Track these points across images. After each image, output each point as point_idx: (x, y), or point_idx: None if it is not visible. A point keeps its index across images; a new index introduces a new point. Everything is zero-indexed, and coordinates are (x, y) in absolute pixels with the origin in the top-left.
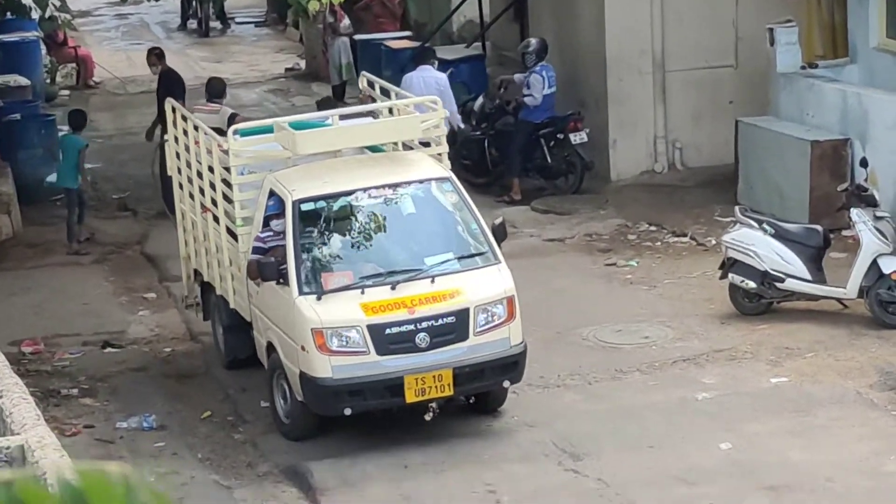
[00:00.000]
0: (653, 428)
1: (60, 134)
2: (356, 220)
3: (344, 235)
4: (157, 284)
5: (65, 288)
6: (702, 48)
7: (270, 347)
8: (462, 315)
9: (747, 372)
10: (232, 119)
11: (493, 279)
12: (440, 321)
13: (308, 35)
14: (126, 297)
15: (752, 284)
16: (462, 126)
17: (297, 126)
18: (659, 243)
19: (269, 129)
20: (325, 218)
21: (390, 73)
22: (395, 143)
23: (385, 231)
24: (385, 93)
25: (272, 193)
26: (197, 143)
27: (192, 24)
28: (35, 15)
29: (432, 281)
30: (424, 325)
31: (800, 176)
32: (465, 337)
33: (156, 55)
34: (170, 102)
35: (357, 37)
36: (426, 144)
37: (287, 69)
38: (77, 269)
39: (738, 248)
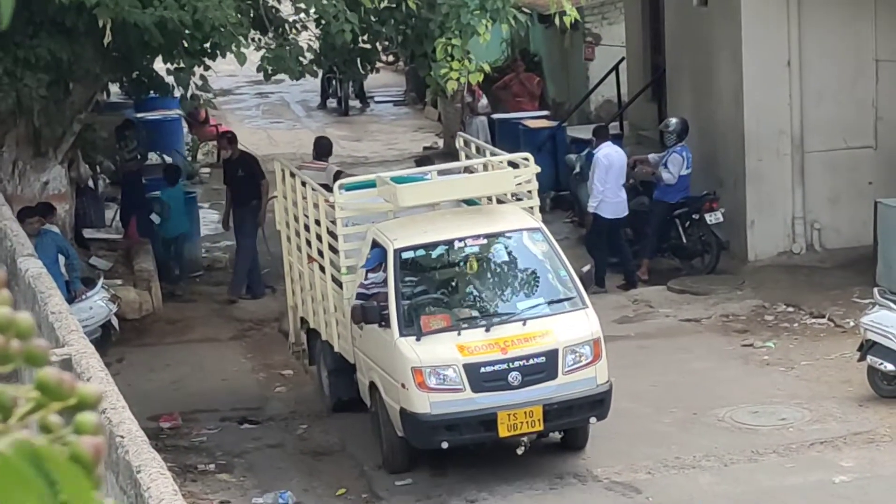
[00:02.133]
0: None
1: (158, 194)
2: (453, 267)
3: (441, 281)
4: (295, 361)
5: (203, 364)
6: (841, 128)
7: (373, 387)
8: (552, 355)
9: (886, 455)
10: (337, 176)
11: (580, 322)
12: (531, 361)
13: (446, 114)
14: (264, 373)
15: (890, 367)
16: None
17: (398, 181)
18: (796, 325)
19: (371, 184)
20: (425, 265)
21: (528, 151)
22: (490, 199)
23: (480, 277)
24: (480, 152)
25: (375, 244)
26: (304, 198)
27: (332, 102)
28: (177, 93)
29: (524, 323)
30: (517, 364)
31: None
32: (554, 376)
33: (227, 139)
34: (279, 162)
35: (495, 116)
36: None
37: (425, 147)
38: (216, 345)
39: (877, 331)
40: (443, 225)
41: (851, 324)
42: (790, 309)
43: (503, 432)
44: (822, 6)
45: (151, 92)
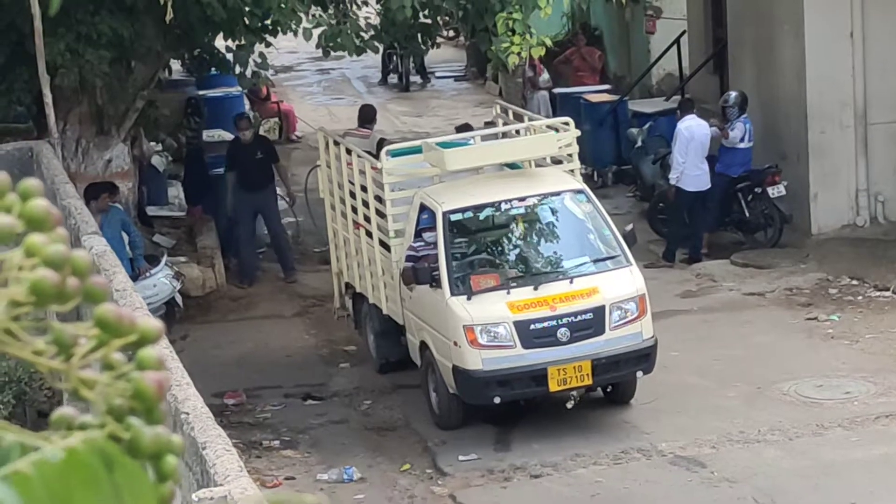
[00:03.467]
0: (856, 484)
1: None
2: (500, 228)
3: (489, 242)
4: (359, 338)
5: (267, 341)
6: None
7: (423, 346)
8: (599, 312)
9: None
10: (381, 143)
11: (625, 280)
12: (579, 317)
13: (507, 89)
14: (327, 349)
15: None
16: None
17: (443, 146)
18: (860, 298)
19: (417, 150)
20: (472, 227)
21: (589, 126)
22: (530, 164)
23: (526, 238)
24: (518, 118)
25: (423, 207)
26: (350, 164)
27: (393, 78)
28: (237, 71)
29: (571, 281)
30: (565, 320)
31: None
32: (601, 331)
33: (247, 119)
34: (322, 131)
35: (556, 90)
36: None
37: (486, 123)
38: (279, 321)
39: None
40: (488, 188)
41: None
42: (854, 282)
43: (553, 387)
44: None
45: (213, 69)
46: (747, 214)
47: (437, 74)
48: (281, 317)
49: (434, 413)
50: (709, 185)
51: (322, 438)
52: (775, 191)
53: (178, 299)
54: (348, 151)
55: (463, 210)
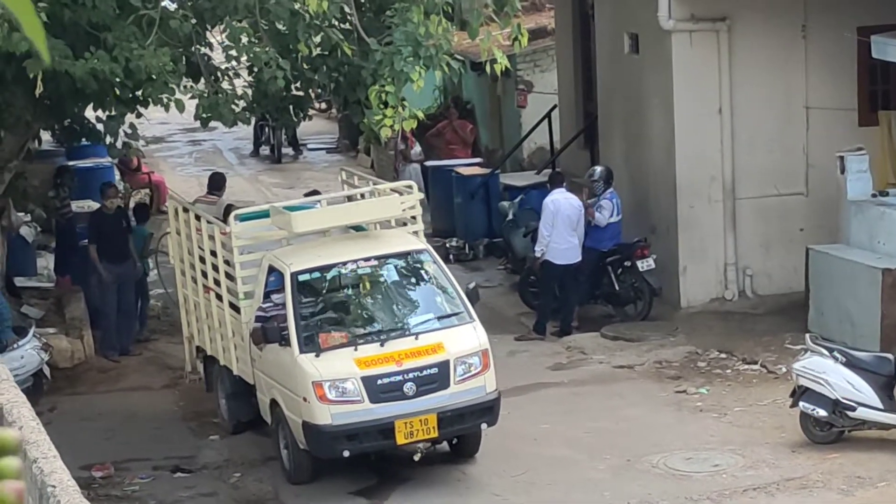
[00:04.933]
0: None
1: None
2: (347, 287)
3: (337, 301)
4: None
5: (136, 412)
6: (772, 175)
7: (274, 404)
8: (443, 366)
9: (819, 501)
10: (229, 209)
11: (469, 335)
12: (424, 372)
13: (379, 161)
14: (196, 421)
15: (823, 413)
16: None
17: (290, 209)
18: (729, 371)
19: (265, 214)
20: (320, 287)
21: (461, 199)
22: (377, 226)
23: (373, 296)
24: (364, 182)
25: (271, 269)
26: (199, 230)
27: (265, 150)
28: (108, 140)
29: (416, 338)
30: (411, 375)
31: (871, 304)
32: (446, 385)
33: (114, 188)
34: (172, 199)
35: (428, 163)
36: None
37: (306, 193)
38: (148, 393)
39: (809, 377)
40: (335, 249)
41: (784, 370)
42: (723, 355)
43: (400, 440)
44: (752, 54)
45: (83, 139)
46: (617, 287)
47: (310, 146)
48: (150, 388)
49: (285, 469)
50: (578, 259)
51: None
52: (645, 264)
53: (46, 371)
54: (197, 217)
55: (310, 270)
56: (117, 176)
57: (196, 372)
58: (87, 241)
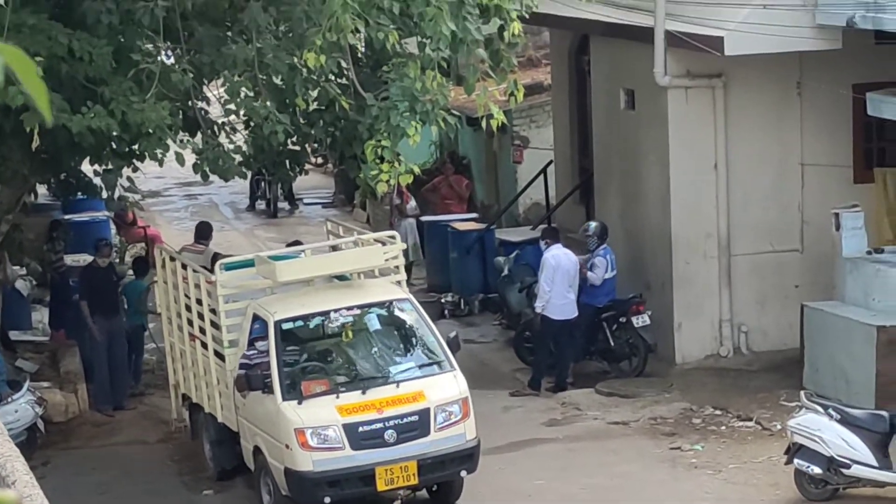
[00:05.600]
0: None
1: (125, 282)
2: (330, 336)
3: (319, 350)
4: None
5: (130, 467)
6: (767, 232)
7: (257, 451)
8: (424, 414)
9: None
10: (215, 258)
11: (449, 383)
12: (405, 419)
13: (375, 216)
14: (190, 476)
15: (817, 470)
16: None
17: (275, 259)
18: (724, 427)
19: (250, 263)
20: (303, 335)
21: (456, 254)
22: (360, 275)
23: (355, 344)
24: (349, 232)
25: (256, 317)
26: (185, 279)
27: (261, 204)
28: (105, 194)
29: (397, 386)
30: (392, 423)
31: (866, 361)
32: (427, 433)
33: (109, 245)
34: (159, 248)
35: (423, 218)
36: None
37: (289, 244)
38: (143, 447)
39: (804, 434)
40: (318, 298)
41: (779, 427)
42: (718, 412)
43: (381, 486)
44: (748, 111)
45: (79, 193)
46: (612, 343)
47: (306, 201)
48: (144, 442)
49: None
50: (575, 314)
51: None
52: (640, 320)
53: (41, 425)
54: (184, 266)
55: (294, 319)
56: (113, 230)
57: (182, 419)
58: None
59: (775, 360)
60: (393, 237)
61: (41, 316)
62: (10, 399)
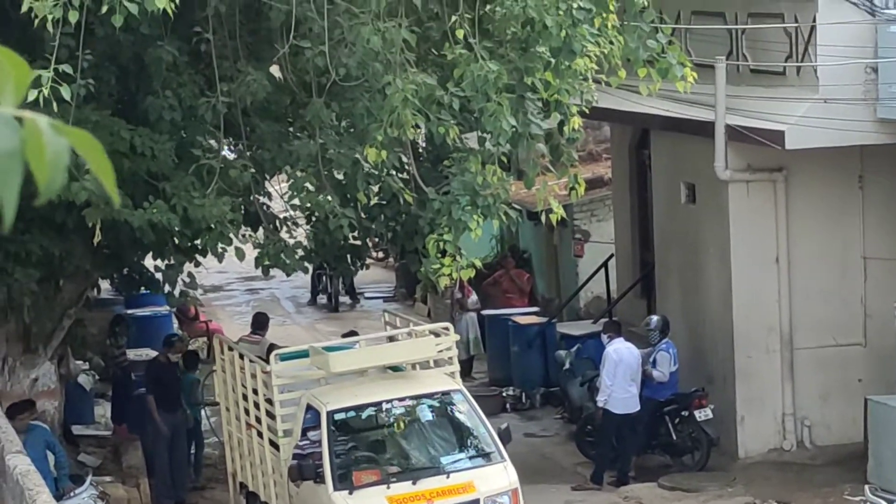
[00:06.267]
0: None
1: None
2: (382, 426)
3: (371, 440)
4: None
5: None
6: (830, 325)
7: None
8: None
9: None
10: (271, 348)
11: (499, 474)
12: None
13: (436, 310)
14: None
15: None
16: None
17: (328, 350)
18: None
19: (305, 354)
20: (355, 425)
21: (517, 348)
22: (415, 366)
23: (406, 435)
24: (405, 324)
25: (309, 407)
26: (242, 369)
27: (322, 298)
28: (167, 289)
29: (447, 476)
30: None
31: None
32: None
33: (181, 341)
34: (217, 337)
35: (485, 312)
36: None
37: (344, 334)
38: None
39: None
40: (371, 389)
41: None
42: None
43: None
44: (809, 204)
45: (142, 288)
46: (674, 437)
47: (367, 295)
48: None
49: None
50: (637, 408)
51: None
52: (702, 414)
53: None
54: (241, 356)
55: (346, 409)
56: (175, 324)
57: None
58: (143, 389)
59: (839, 454)
60: (447, 328)
61: (103, 410)
62: (73, 494)
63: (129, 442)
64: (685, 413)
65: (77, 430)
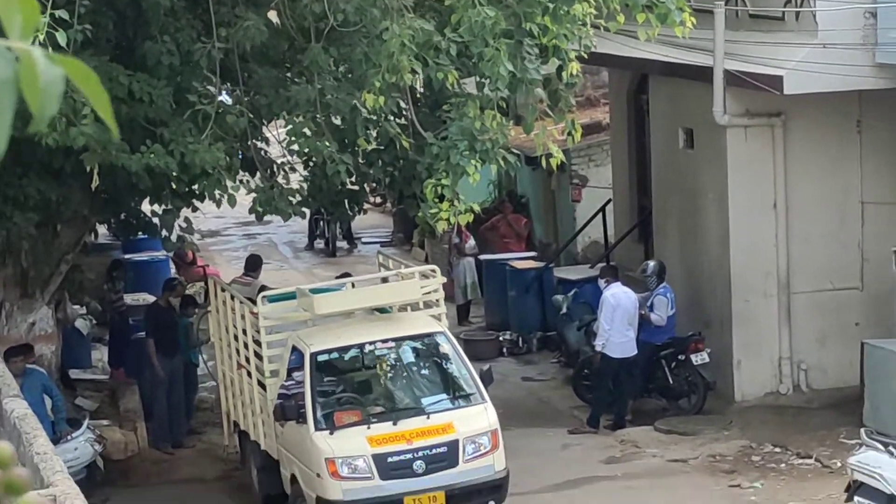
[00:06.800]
0: None
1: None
2: (364, 368)
3: (353, 381)
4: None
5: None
6: (827, 270)
7: (293, 479)
8: (453, 445)
9: None
10: (262, 290)
11: (479, 415)
12: (434, 451)
13: (433, 255)
14: None
15: None
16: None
17: (316, 291)
18: (784, 465)
19: (293, 296)
20: (338, 367)
21: (515, 292)
22: (409, 308)
23: (388, 376)
24: (398, 266)
25: (294, 349)
26: (233, 310)
27: (320, 243)
28: (164, 234)
29: (428, 417)
30: (421, 454)
31: None
32: (455, 464)
33: (181, 285)
34: (212, 279)
35: (482, 257)
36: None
37: (338, 276)
38: (201, 485)
39: (864, 471)
40: (355, 331)
41: (839, 464)
42: (777, 449)
43: None
44: (807, 149)
45: (139, 233)
46: (671, 381)
47: (364, 240)
48: (203, 480)
49: None
50: (634, 352)
51: None
52: (699, 358)
53: (100, 462)
54: (232, 297)
55: (329, 351)
56: (172, 269)
57: (234, 446)
58: (142, 333)
59: (835, 397)
60: (434, 271)
61: (101, 355)
62: (69, 437)
63: (127, 386)
64: (682, 357)
65: (74, 374)
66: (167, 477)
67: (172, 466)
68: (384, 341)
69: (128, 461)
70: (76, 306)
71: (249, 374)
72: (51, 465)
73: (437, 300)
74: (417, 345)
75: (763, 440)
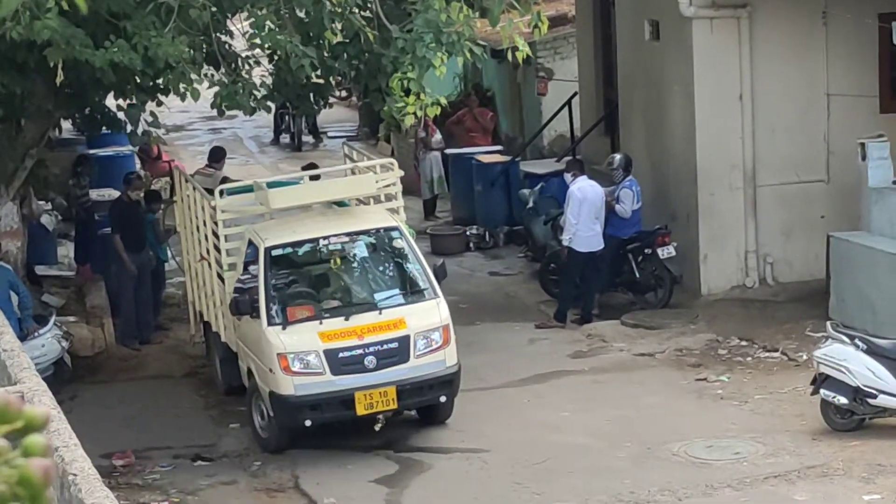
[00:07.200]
0: None
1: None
2: (318, 263)
3: (307, 276)
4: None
5: (157, 401)
6: (793, 162)
7: (249, 372)
8: (404, 341)
9: (839, 489)
10: (224, 182)
11: (431, 311)
12: (385, 346)
13: (399, 149)
14: (217, 409)
15: (843, 400)
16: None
17: (273, 185)
18: (750, 358)
19: (251, 189)
20: (292, 261)
21: (481, 187)
22: (362, 201)
23: (342, 271)
24: (362, 158)
25: (250, 243)
26: (195, 202)
27: (285, 138)
28: (129, 129)
29: (380, 312)
30: (372, 349)
31: (892, 291)
32: (406, 359)
33: (140, 178)
34: (177, 170)
35: (448, 151)
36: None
37: (304, 167)
38: (169, 381)
39: (830, 364)
40: (310, 225)
41: (804, 357)
42: (744, 343)
43: (360, 411)
44: (773, 41)
45: (104, 128)
46: (637, 275)
47: (330, 134)
48: (171, 377)
49: (259, 437)
50: (601, 246)
51: (211, 499)
52: (665, 252)
53: (67, 359)
54: (193, 188)
55: (283, 246)
56: (138, 165)
57: (200, 335)
58: (107, 229)
59: (801, 290)
60: (392, 164)
61: (67, 251)
62: (36, 334)
63: (93, 282)
64: (648, 251)
65: (40, 270)
66: (134, 374)
67: (140, 363)
68: (338, 235)
69: (95, 358)
70: (41, 202)
71: (210, 265)
72: (18, 362)
73: (395, 194)
74: (372, 239)
75: (729, 334)
